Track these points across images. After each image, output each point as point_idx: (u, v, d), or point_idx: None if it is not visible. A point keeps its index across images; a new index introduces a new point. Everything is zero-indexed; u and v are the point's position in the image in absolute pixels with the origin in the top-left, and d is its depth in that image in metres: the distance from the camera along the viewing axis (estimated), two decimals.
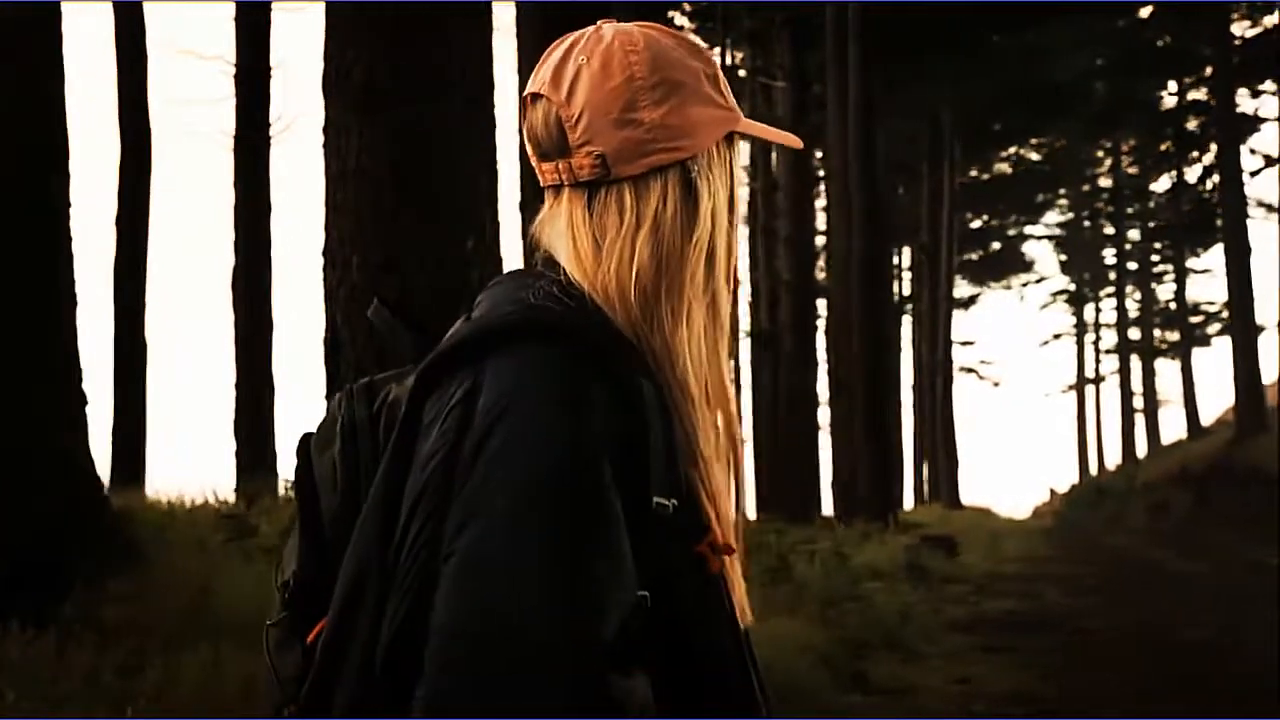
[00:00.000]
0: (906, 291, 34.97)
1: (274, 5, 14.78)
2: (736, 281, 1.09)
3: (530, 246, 1.09)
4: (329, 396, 5.07)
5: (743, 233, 18.91)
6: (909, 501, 32.21)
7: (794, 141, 1.21)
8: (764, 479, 19.96)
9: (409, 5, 5.07)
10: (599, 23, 1.08)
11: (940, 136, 27.00)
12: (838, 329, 17.99)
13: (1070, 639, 8.98)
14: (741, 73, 21.42)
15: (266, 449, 14.23)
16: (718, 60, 1.16)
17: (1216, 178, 26.65)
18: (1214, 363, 37.06)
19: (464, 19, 5.17)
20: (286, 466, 13.93)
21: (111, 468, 11.05)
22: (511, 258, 5.39)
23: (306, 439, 1.09)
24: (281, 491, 11.58)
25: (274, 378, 14.40)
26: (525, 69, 8.03)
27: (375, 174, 5.00)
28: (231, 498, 10.92)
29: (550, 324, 0.95)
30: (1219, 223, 32.90)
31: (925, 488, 31.53)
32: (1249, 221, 24.76)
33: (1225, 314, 32.85)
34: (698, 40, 1.10)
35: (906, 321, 34.84)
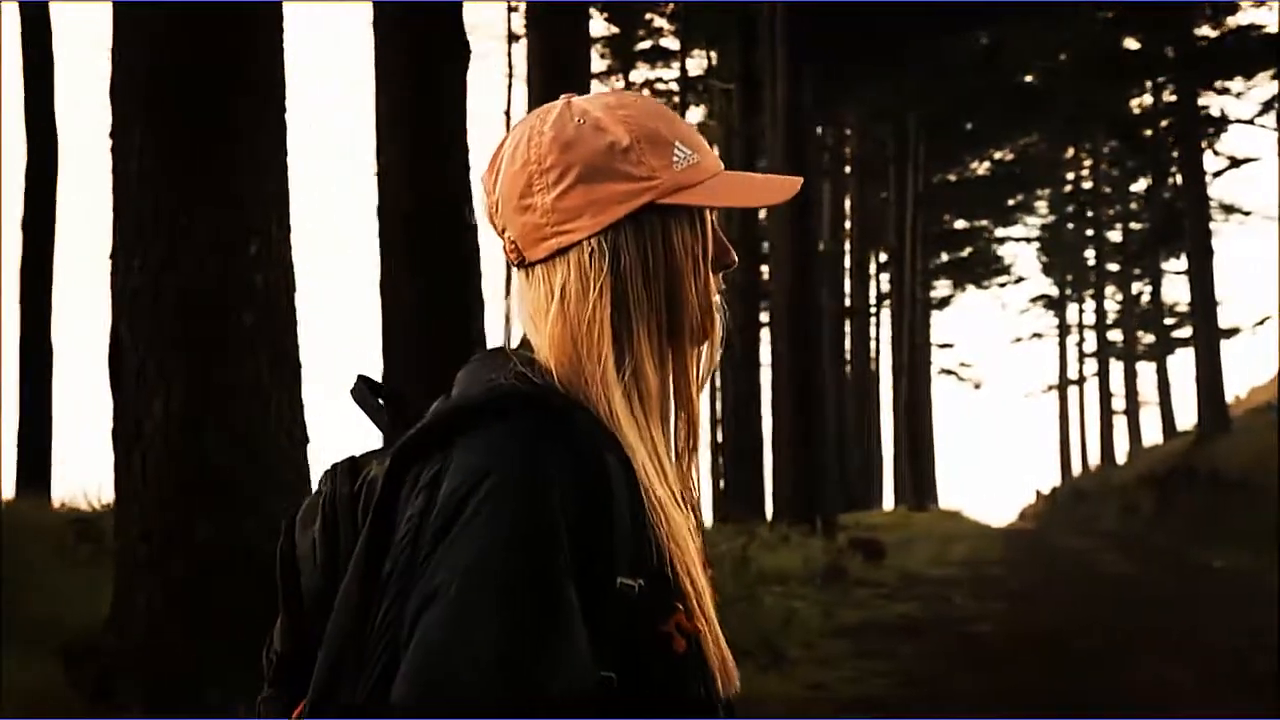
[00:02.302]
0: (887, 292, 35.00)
1: None
2: (711, 330, 1.08)
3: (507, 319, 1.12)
4: (113, 392, 5.05)
5: None
6: (889, 503, 32.21)
7: (755, 199, 1.14)
8: (719, 482, 19.94)
9: (196, 4, 5.05)
10: (563, 95, 1.10)
11: (906, 139, 26.95)
12: (774, 333, 17.98)
13: (953, 644, 8.96)
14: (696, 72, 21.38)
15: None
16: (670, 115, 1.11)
17: (1180, 180, 26.57)
18: (1194, 365, 36.95)
19: (253, 18, 5.15)
20: None
21: (17, 474, 11.04)
22: (304, 261, 5.36)
23: (293, 516, 1.10)
24: None
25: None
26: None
27: (157, 174, 4.99)
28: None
29: (513, 404, 0.96)
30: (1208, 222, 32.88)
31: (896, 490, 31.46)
32: (1243, 222, 24.73)
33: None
34: (638, 101, 1.08)
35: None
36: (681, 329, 1.05)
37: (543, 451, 0.93)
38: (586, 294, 1.02)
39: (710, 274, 1.08)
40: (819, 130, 29.15)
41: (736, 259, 1.12)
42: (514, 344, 1.08)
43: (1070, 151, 36.83)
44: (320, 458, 5.51)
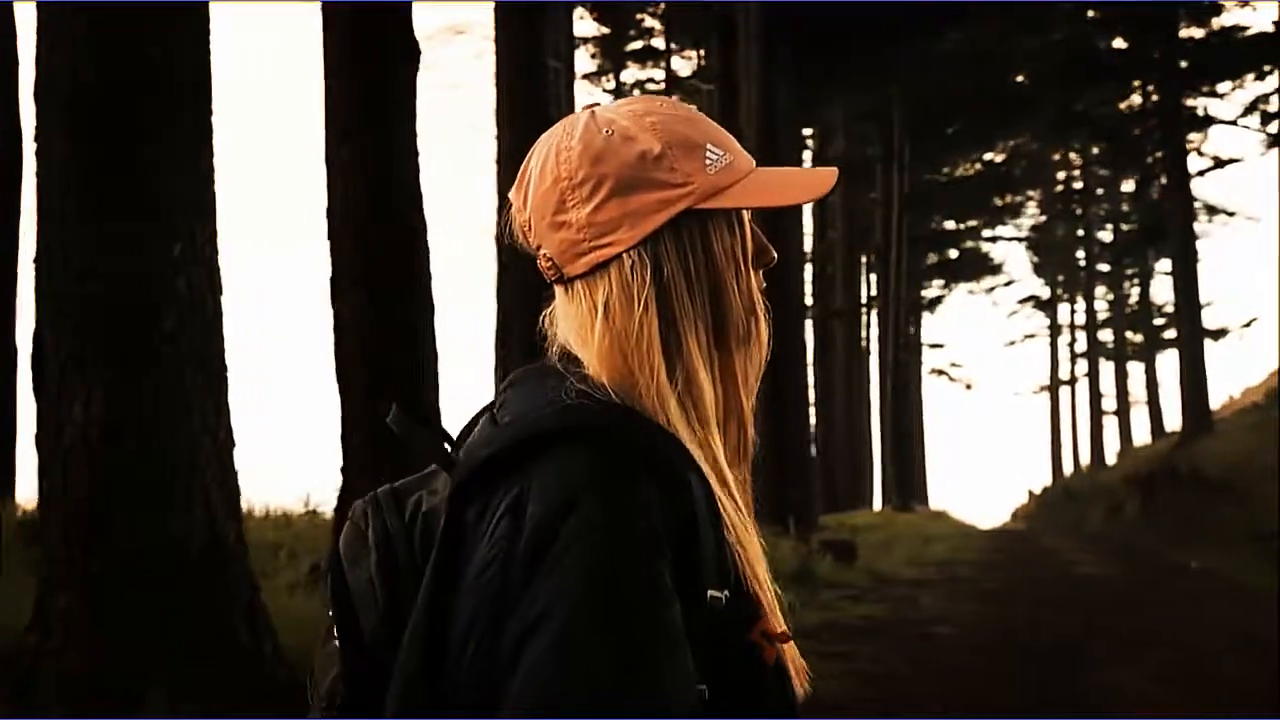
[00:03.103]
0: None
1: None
2: (758, 329, 1.08)
3: (540, 335, 1.09)
4: (35, 391, 5.05)
5: None
6: (879, 504, 32.19)
7: (792, 196, 1.11)
8: None
9: (119, 4, 5.04)
10: (585, 106, 1.08)
11: (891, 140, 26.97)
12: None
13: (911, 645, 8.96)
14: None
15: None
16: (696, 118, 1.08)
17: (1165, 181, 26.58)
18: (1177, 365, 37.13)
19: (174, 21, 5.14)
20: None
21: None
22: (231, 264, 5.35)
23: (337, 552, 1.07)
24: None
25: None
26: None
27: (77, 178, 4.98)
28: None
29: (591, 426, 0.94)
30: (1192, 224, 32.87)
31: (883, 491, 31.47)
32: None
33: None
34: (664, 106, 1.07)
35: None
36: (728, 333, 1.05)
37: (630, 472, 0.92)
38: (632, 307, 1.01)
39: (752, 273, 1.07)
40: (805, 131, 29.17)
41: (776, 255, 1.11)
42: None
43: (1059, 153, 36.81)
44: (250, 460, 5.51)
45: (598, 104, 1.09)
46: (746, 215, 1.08)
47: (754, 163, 1.08)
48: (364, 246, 7.27)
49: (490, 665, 0.88)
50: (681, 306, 1.02)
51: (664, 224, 1.01)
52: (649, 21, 31.61)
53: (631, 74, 34.01)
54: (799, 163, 21.68)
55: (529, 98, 11.10)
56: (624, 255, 1.01)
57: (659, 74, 32.39)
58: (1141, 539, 21.52)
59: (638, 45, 32.63)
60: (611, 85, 34.24)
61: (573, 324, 1.04)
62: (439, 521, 0.96)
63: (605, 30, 31.98)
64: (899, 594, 12.14)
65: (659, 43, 31.22)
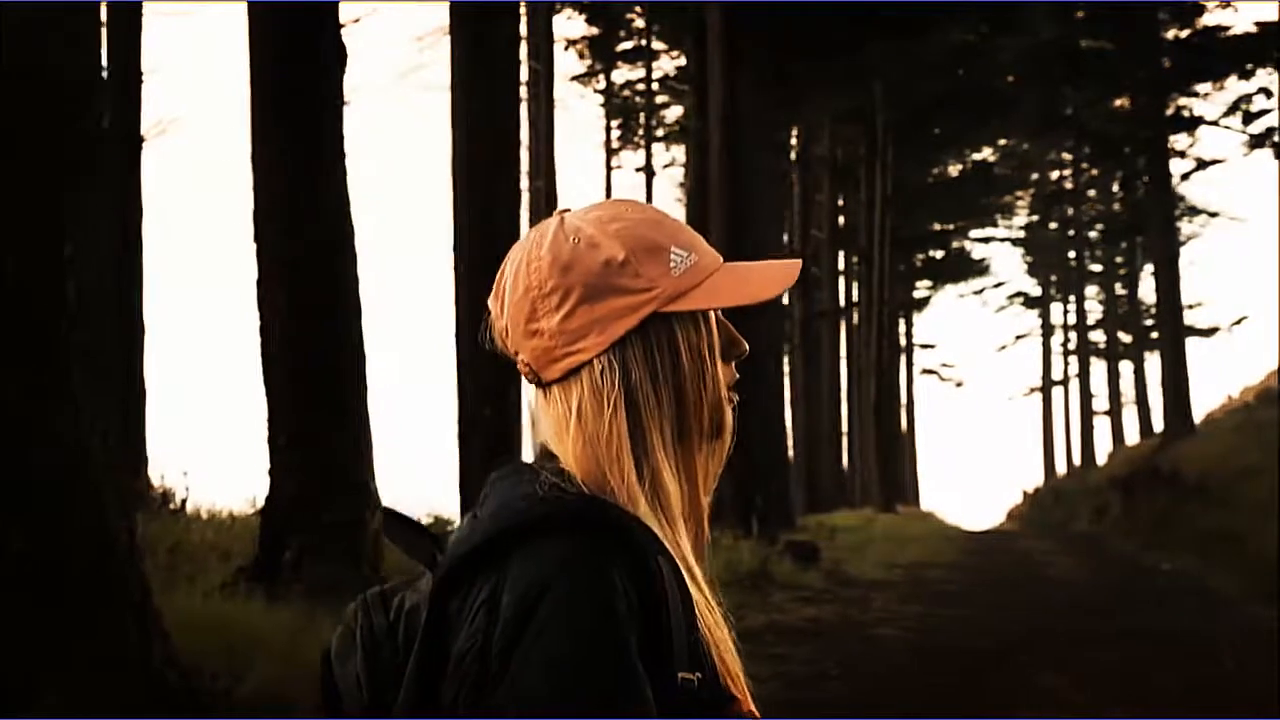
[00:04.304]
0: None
1: (145, 8, 14.81)
2: (723, 424, 1.11)
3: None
4: None
5: None
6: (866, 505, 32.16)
7: (754, 294, 1.11)
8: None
9: (12, 5, 5.04)
10: (556, 211, 1.12)
11: (875, 140, 26.96)
12: None
13: (850, 647, 8.96)
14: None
15: (139, 454, 14.27)
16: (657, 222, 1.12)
17: (1147, 180, 26.54)
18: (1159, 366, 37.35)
19: (63, 28, 5.14)
20: (185, 472, 13.87)
21: None
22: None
23: (328, 652, 1.12)
24: (180, 497, 11.61)
25: (146, 382, 14.47)
26: None
27: None
28: None
29: (562, 515, 0.98)
30: (1174, 225, 32.79)
31: (864, 492, 31.45)
32: (1205, 223, 24.69)
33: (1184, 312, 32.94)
34: (630, 211, 1.10)
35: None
36: (690, 430, 1.07)
37: (601, 556, 0.95)
38: (602, 410, 1.04)
39: (720, 368, 1.10)
40: (788, 131, 29.14)
41: (747, 348, 1.13)
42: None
43: (1054, 153, 36.76)
44: (170, 472, 5.52)
45: (568, 210, 1.12)
46: (714, 312, 1.10)
47: (720, 259, 1.11)
48: (288, 249, 7.28)
49: None
50: (648, 408, 1.05)
51: (631, 329, 1.05)
52: (639, 22, 31.57)
53: (622, 75, 34.01)
54: (777, 164, 21.63)
55: (484, 99, 11.09)
56: (594, 361, 1.05)
57: (653, 74, 32.38)
58: (1121, 540, 21.52)
59: (628, 45, 32.58)
60: (601, 85, 34.25)
61: (550, 425, 1.08)
62: (421, 618, 1.00)
63: (595, 31, 31.94)
64: (853, 595, 12.13)
65: (653, 43, 31.18)
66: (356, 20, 16.86)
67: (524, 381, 1.12)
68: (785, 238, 27.00)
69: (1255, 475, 19.17)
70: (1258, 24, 24.39)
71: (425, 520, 9.91)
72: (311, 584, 6.90)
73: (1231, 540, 15.20)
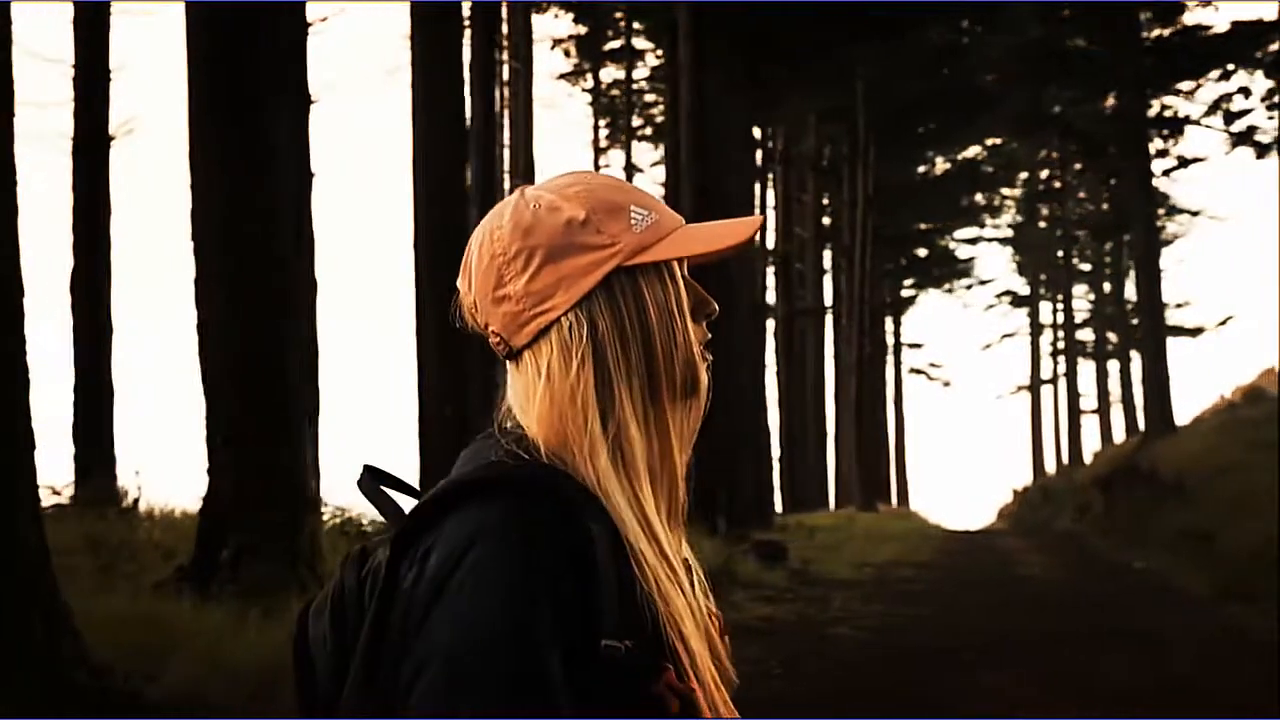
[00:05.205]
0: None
1: (113, 7, 14.78)
2: (697, 381, 1.10)
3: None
4: None
5: None
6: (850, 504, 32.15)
7: (715, 244, 1.11)
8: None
9: None
10: (515, 188, 1.14)
11: (857, 139, 26.95)
12: None
13: (797, 647, 8.93)
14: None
15: (105, 452, 14.24)
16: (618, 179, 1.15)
17: (1123, 180, 26.55)
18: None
19: None
20: (124, 469, 13.94)
21: None
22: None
23: (306, 608, 1.13)
24: (132, 496, 11.62)
25: (113, 381, 14.42)
26: None
27: None
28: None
29: (499, 479, 1.00)
30: (1162, 224, 32.80)
31: (849, 491, 31.44)
32: (1183, 223, 24.69)
33: (1171, 312, 33.00)
34: (589, 177, 1.11)
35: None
36: (661, 386, 1.07)
37: (527, 519, 0.97)
38: (569, 367, 1.05)
39: (690, 325, 1.10)
40: (772, 130, 29.14)
41: (717, 307, 1.13)
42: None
43: (1042, 153, 36.77)
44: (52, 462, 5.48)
45: (526, 185, 1.14)
46: (679, 269, 1.10)
47: (681, 220, 1.12)
48: (224, 249, 7.26)
49: (390, 704, 0.95)
50: (615, 362, 1.06)
51: (597, 284, 1.06)
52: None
53: (610, 73, 34.00)
54: (748, 161, 21.61)
55: (434, 94, 11.08)
56: (562, 319, 1.06)
57: (638, 73, 32.38)
58: (1099, 539, 21.54)
59: (616, 45, 32.57)
60: (590, 84, 34.26)
61: (518, 392, 1.09)
62: (381, 575, 1.02)
63: (582, 30, 31.93)
64: (815, 595, 12.11)
65: (638, 42, 31.18)
66: (324, 19, 16.81)
67: (493, 364, 1.14)
68: (760, 235, 26.96)
69: (1229, 473, 19.20)
70: (1235, 23, 24.40)
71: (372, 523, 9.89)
72: (247, 584, 6.87)
73: (1201, 538, 15.21)
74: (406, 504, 1.09)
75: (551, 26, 37.90)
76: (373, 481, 1.12)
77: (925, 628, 10.08)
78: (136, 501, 10.30)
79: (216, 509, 7.33)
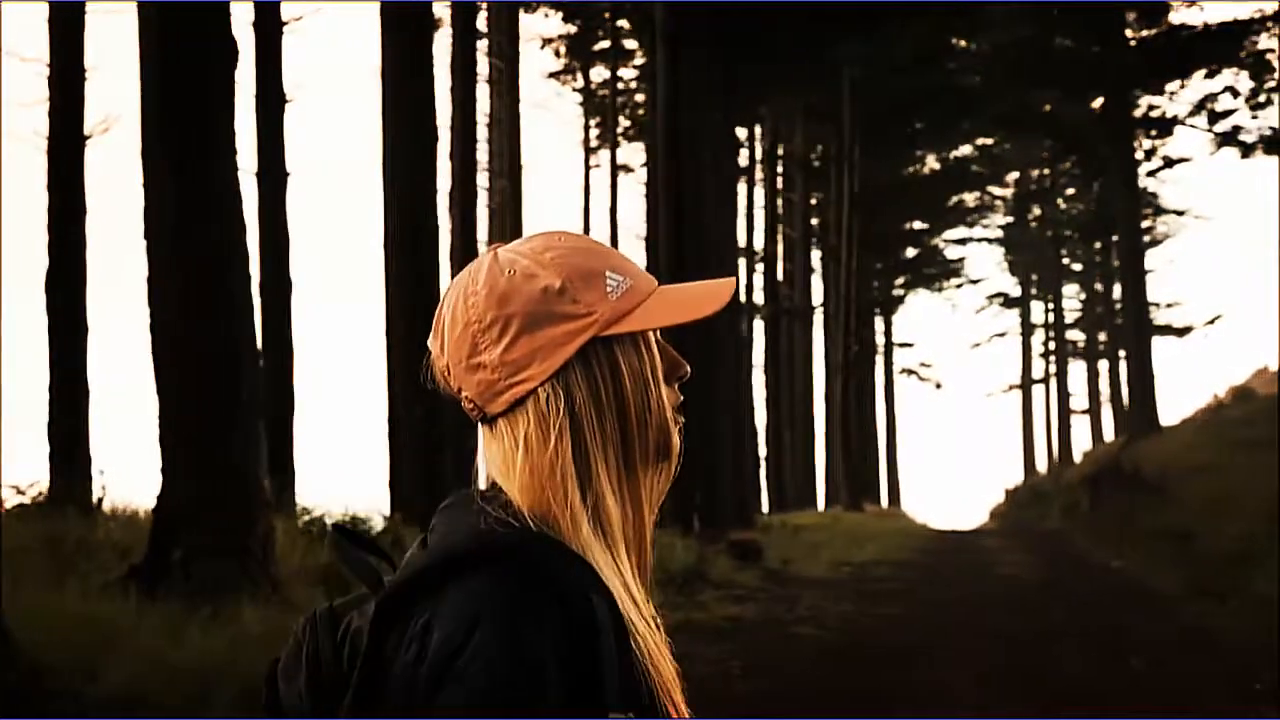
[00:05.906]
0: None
1: (88, 6, 14.77)
2: (669, 446, 1.10)
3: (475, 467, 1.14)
4: None
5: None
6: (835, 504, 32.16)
7: (690, 312, 1.10)
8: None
9: None
10: (489, 247, 1.12)
11: (842, 139, 26.95)
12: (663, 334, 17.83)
13: (758, 647, 8.93)
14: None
15: (81, 452, 14.23)
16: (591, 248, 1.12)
17: (1110, 179, 26.54)
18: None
19: None
20: (101, 470, 13.91)
21: None
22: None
23: (274, 666, 1.12)
24: (97, 495, 11.62)
25: (89, 382, 14.41)
26: None
27: None
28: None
29: (498, 549, 0.99)
30: (1151, 225, 32.84)
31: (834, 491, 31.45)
32: (1167, 223, 24.70)
33: (1160, 311, 33.03)
34: (563, 240, 1.10)
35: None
36: (634, 453, 1.07)
37: (531, 595, 0.95)
38: (547, 438, 1.04)
39: (664, 391, 1.09)
40: (755, 131, 29.13)
41: (689, 370, 1.12)
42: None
43: (1037, 153, 36.77)
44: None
45: (500, 245, 1.12)
46: (654, 335, 1.10)
47: (655, 282, 1.11)
48: (175, 248, 7.25)
49: None
50: (592, 433, 1.05)
51: (573, 355, 1.05)
52: (620, 21, 31.51)
53: (600, 73, 33.97)
54: (728, 159, 21.60)
55: (405, 92, 11.07)
56: (538, 390, 1.05)
57: (627, 73, 32.37)
58: (1083, 538, 21.57)
59: (605, 44, 32.55)
60: (580, 84, 34.22)
61: (496, 459, 1.08)
62: (364, 641, 1.01)
63: (572, 29, 31.90)
64: (786, 594, 12.10)
65: (629, 41, 31.16)
66: (299, 18, 16.81)
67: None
68: (742, 235, 26.90)
69: (1208, 473, 19.24)
70: (1220, 23, 24.41)
71: (342, 519, 9.88)
72: (196, 584, 6.86)
73: (1178, 537, 15.22)
74: (378, 564, 1.09)
75: (542, 25, 37.75)
76: (343, 540, 1.12)
77: (892, 627, 10.09)
78: (100, 501, 10.28)
79: (169, 509, 7.33)
